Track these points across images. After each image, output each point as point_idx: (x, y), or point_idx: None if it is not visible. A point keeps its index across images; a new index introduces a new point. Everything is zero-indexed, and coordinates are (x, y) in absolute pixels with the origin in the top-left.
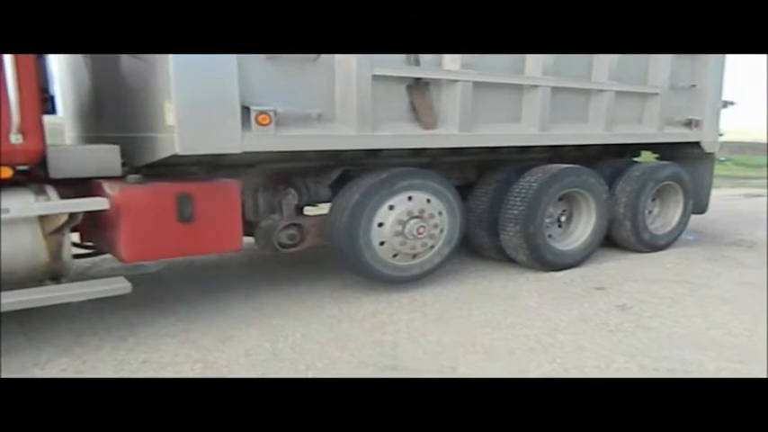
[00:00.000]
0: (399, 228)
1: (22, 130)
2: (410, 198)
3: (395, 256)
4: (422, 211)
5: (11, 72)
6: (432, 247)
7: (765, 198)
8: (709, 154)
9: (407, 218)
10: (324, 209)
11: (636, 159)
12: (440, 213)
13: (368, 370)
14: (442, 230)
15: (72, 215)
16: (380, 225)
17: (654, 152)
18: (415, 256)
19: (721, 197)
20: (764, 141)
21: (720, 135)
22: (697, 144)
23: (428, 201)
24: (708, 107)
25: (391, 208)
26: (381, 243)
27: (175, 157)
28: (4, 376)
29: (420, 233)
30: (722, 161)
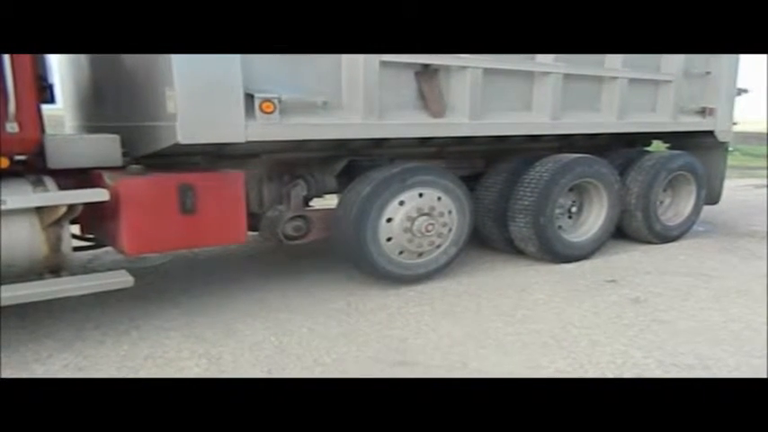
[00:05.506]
0: (408, 224)
1: (18, 119)
2: (421, 195)
3: (401, 253)
4: (432, 208)
5: (6, 59)
6: (438, 246)
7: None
8: (723, 143)
9: (417, 214)
10: (326, 201)
11: (647, 149)
12: (449, 212)
13: (377, 365)
14: (450, 230)
15: (71, 207)
16: (389, 220)
17: (665, 141)
18: (420, 255)
19: (731, 187)
20: (764, 132)
21: (734, 124)
22: (710, 133)
23: (439, 198)
24: (722, 95)
25: (401, 203)
26: (388, 239)
27: (177, 146)
28: (4, 371)
29: (428, 231)
30: (730, 151)
